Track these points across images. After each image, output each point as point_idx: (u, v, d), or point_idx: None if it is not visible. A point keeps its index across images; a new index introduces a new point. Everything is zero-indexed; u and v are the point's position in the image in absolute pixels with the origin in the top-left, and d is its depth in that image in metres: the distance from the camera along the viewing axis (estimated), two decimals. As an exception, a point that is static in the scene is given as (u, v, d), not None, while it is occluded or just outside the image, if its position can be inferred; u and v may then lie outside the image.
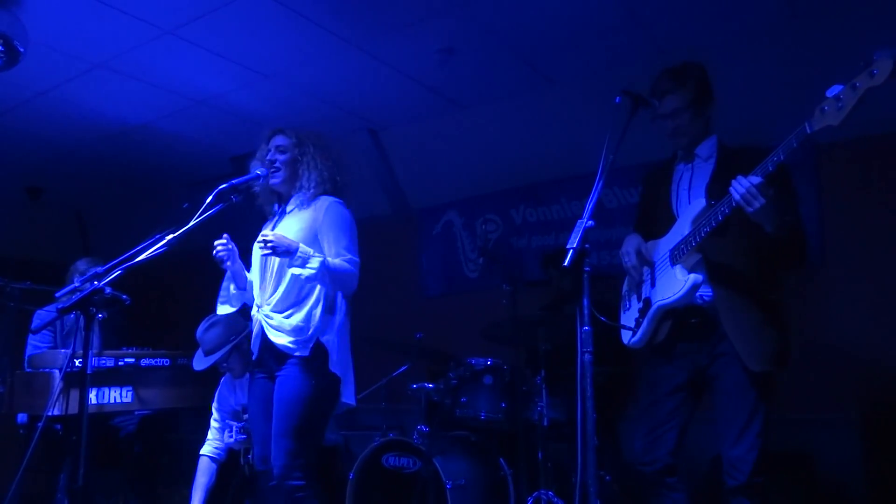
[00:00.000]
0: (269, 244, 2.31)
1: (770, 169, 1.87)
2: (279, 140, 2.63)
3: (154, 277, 3.51)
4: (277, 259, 2.49)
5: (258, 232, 2.68)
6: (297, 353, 2.42)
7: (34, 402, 3.01)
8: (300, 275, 2.36)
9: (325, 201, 2.55)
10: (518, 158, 4.42)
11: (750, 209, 1.90)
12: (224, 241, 2.54)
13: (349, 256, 2.47)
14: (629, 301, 2.42)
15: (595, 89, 3.71)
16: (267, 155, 2.61)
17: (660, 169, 2.45)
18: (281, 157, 2.60)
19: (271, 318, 2.48)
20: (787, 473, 2.87)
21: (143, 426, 3.60)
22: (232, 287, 2.67)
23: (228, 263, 2.57)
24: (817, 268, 3.42)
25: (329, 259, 2.40)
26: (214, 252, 2.52)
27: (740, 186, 1.91)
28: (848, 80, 1.70)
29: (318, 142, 2.66)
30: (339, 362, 2.47)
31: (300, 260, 2.33)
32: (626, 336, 2.36)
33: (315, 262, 2.34)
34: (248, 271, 2.69)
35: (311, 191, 2.57)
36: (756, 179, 1.88)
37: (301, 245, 2.36)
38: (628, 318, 2.38)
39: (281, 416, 2.38)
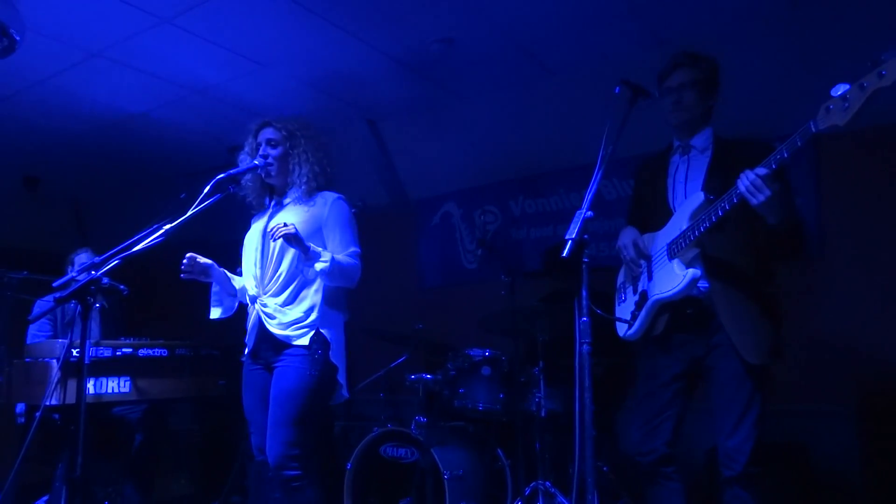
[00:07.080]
0: (279, 231, 2.27)
1: (773, 167, 1.86)
2: (269, 133, 2.57)
3: (152, 268, 3.50)
4: (277, 248, 2.47)
5: (248, 224, 2.68)
6: (297, 343, 2.41)
7: (32, 392, 3.01)
8: (309, 272, 2.40)
9: (327, 197, 2.55)
10: (517, 149, 4.40)
11: (755, 201, 1.90)
12: (186, 261, 2.46)
13: (353, 250, 2.52)
14: (624, 293, 2.42)
15: (594, 80, 3.69)
16: (258, 150, 2.56)
17: (653, 161, 2.44)
18: (273, 152, 2.55)
19: (270, 308, 2.46)
20: (783, 464, 2.89)
21: (145, 416, 3.61)
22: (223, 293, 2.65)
23: (203, 277, 2.52)
24: (815, 259, 3.42)
25: (336, 256, 2.42)
26: (182, 275, 2.46)
27: (745, 179, 1.90)
28: (854, 79, 1.68)
29: (308, 132, 2.60)
30: (336, 353, 2.48)
31: (313, 256, 2.36)
32: (621, 329, 2.37)
33: (327, 256, 2.38)
34: (235, 272, 2.65)
35: (308, 185, 2.54)
36: (762, 171, 1.88)
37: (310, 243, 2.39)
38: (624, 310, 2.38)
39: (279, 406, 2.37)
